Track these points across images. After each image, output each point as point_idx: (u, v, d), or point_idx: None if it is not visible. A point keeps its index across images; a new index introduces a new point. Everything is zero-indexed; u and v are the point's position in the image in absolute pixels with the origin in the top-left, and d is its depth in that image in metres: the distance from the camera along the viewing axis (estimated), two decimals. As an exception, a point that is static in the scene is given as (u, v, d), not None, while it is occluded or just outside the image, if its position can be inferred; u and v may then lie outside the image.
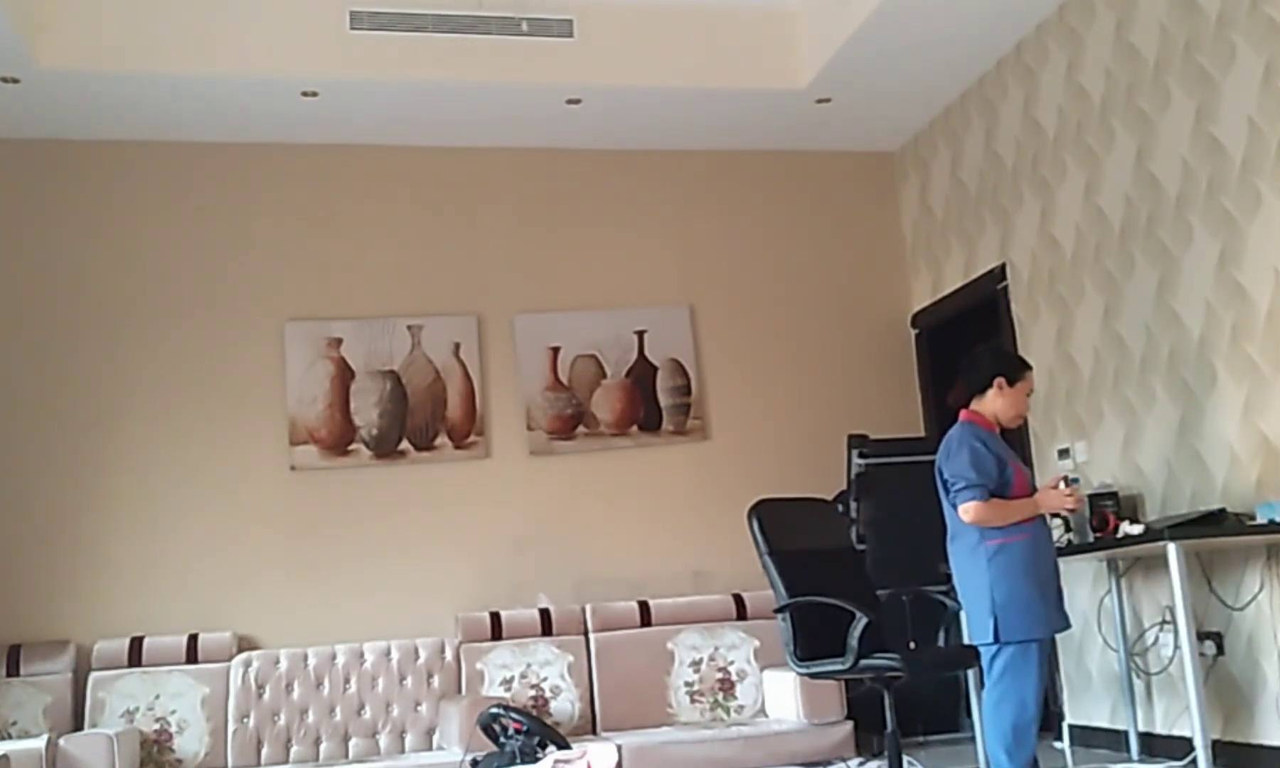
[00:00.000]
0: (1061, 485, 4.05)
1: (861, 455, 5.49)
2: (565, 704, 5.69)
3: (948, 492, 4.06)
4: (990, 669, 3.97)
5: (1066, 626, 4.04)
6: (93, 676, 5.44)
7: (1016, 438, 5.54)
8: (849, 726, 5.36)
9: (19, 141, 5.92)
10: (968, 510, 3.93)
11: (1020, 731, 3.87)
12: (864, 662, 3.89)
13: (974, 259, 6.31)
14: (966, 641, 4.13)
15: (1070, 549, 4.77)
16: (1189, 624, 4.08)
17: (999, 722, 3.89)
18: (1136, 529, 4.44)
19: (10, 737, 5.15)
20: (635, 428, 6.42)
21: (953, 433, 4.10)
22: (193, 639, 5.59)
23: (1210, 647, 4.59)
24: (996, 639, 3.89)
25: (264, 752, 5.44)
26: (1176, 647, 4.67)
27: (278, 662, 5.58)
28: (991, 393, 4.10)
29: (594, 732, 5.67)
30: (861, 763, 5.21)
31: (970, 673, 5.05)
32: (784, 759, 5.22)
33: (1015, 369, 4.15)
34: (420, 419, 6.18)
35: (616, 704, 5.73)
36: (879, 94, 6.28)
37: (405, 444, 6.14)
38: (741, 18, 6.06)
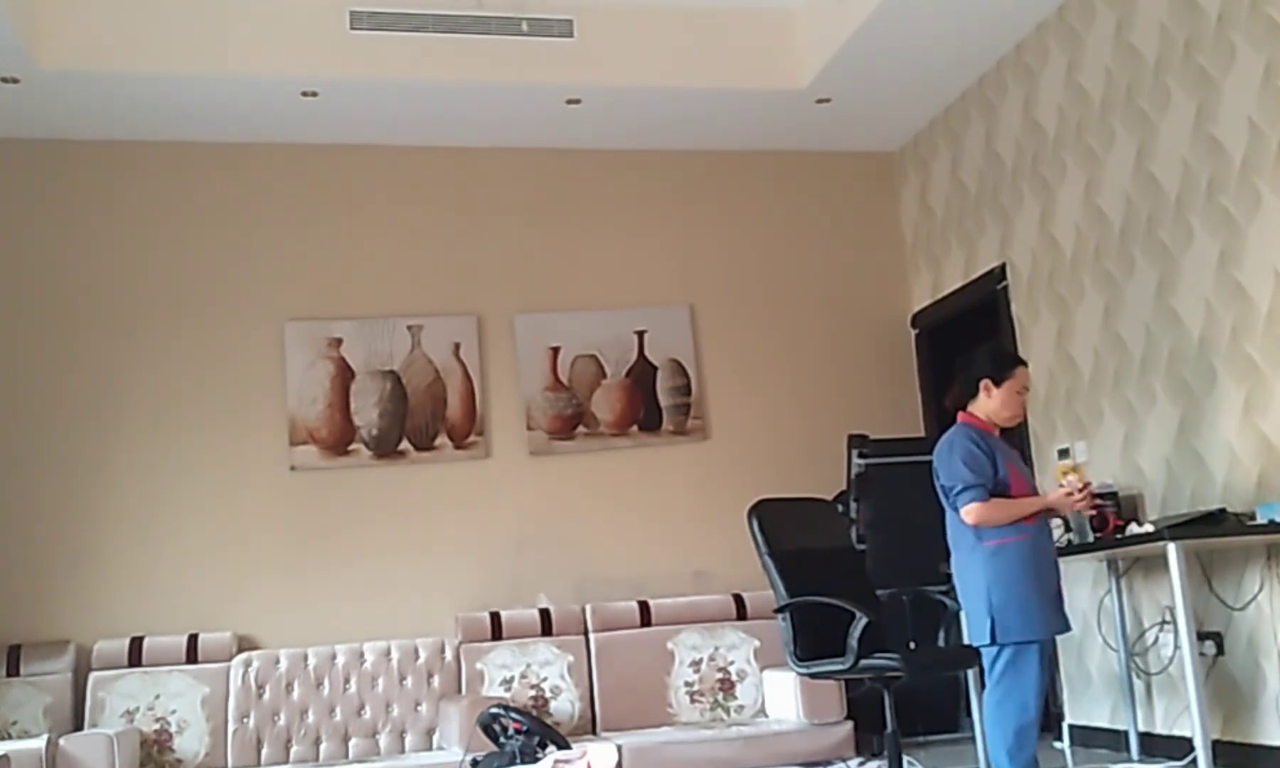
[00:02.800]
0: (1068, 482, 4.03)
1: (861, 455, 5.49)
2: (565, 704, 5.69)
3: (946, 496, 4.05)
4: (991, 671, 3.96)
5: (1067, 628, 4.01)
6: (93, 676, 5.44)
7: (1016, 438, 5.54)
8: (849, 726, 5.36)
9: (19, 141, 5.92)
10: (970, 512, 3.91)
11: (1021, 732, 3.86)
12: (864, 662, 3.89)
13: (974, 259, 6.31)
14: (966, 641, 4.12)
15: (1070, 549, 4.76)
16: (1189, 624, 4.08)
17: (1001, 723, 3.89)
18: (1145, 528, 4.43)
19: (10, 737, 5.15)
20: (635, 428, 6.42)
21: (947, 435, 4.09)
22: (193, 639, 5.59)
23: (1210, 647, 4.59)
24: (993, 640, 3.88)
25: (264, 752, 5.44)
26: (1176, 647, 4.67)
27: (278, 662, 5.58)
28: (981, 396, 4.09)
29: (594, 732, 5.67)
30: (861, 763, 5.21)
31: (970, 673, 5.05)
32: (784, 759, 5.22)
33: (1001, 369, 4.11)
34: (420, 419, 6.18)
35: (616, 704, 5.73)
36: (879, 94, 6.28)
37: (405, 444, 6.14)
38: (741, 18, 6.06)
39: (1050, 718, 5.49)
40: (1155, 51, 4.89)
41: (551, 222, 6.53)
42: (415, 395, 6.20)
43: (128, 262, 6.00)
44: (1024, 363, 4.22)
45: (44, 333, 5.85)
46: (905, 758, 4.21)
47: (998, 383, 4.06)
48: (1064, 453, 5.54)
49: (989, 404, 4.08)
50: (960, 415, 4.15)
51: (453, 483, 6.16)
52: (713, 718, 5.77)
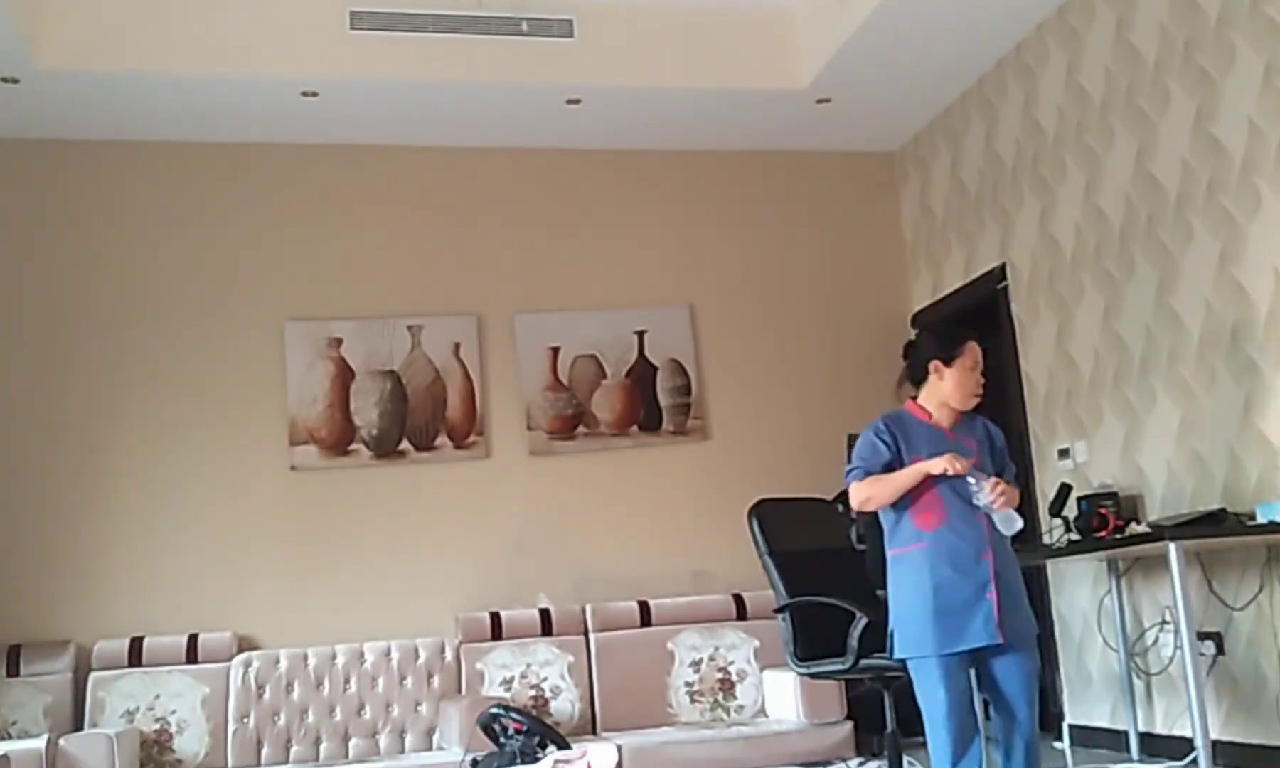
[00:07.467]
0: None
1: (861, 456, 5.47)
2: (565, 704, 5.69)
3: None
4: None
5: (979, 641, 3.50)
6: (93, 676, 5.44)
7: (1017, 438, 5.53)
8: (849, 726, 5.36)
9: (19, 141, 5.92)
10: (852, 491, 3.65)
11: (934, 751, 3.54)
12: (864, 662, 3.89)
13: (974, 259, 6.31)
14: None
15: (1070, 549, 4.77)
16: (1189, 624, 4.08)
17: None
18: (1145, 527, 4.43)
19: (10, 737, 5.14)
20: (635, 428, 6.42)
21: None
22: (193, 639, 5.59)
23: (1210, 647, 4.59)
24: (890, 653, 3.64)
25: (264, 752, 5.44)
26: (1176, 647, 4.67)
27: (278, 662, 5.58)
28: (932, 379, 3.68)
29: (594, 732, 5.67)
30: (861, 763, 5.21)
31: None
32: (784, 759, 5.22)
33: (949, 347, 3.68)
34: (420, 419, 6.18)
35: (616, 704, 5.73)
36: (879, 94, 6.28)
37: (405, 444, 6.14)
38: (741, 18, 6.06)
39: (1050, 718, 5.49)
40: (1155, 51, 4.89)
41: (551, 222, 6.53)
42: (415, 395, 6.19)
43: (128, 262, 6.00)
44: (973, 336, 3.73)
45: (44, 333, 5.85)
46: (905, 758, 4.20)
47: (949, 362, 3.65)
48: (1064, 453, 5.54)
49: (942, 387, 3.66)
50: (906, 404, 3.80)
51: (453, 483, 6.16)
52: (713, 718, 5.77)
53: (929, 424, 3.69)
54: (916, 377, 3.75)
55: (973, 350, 3.69)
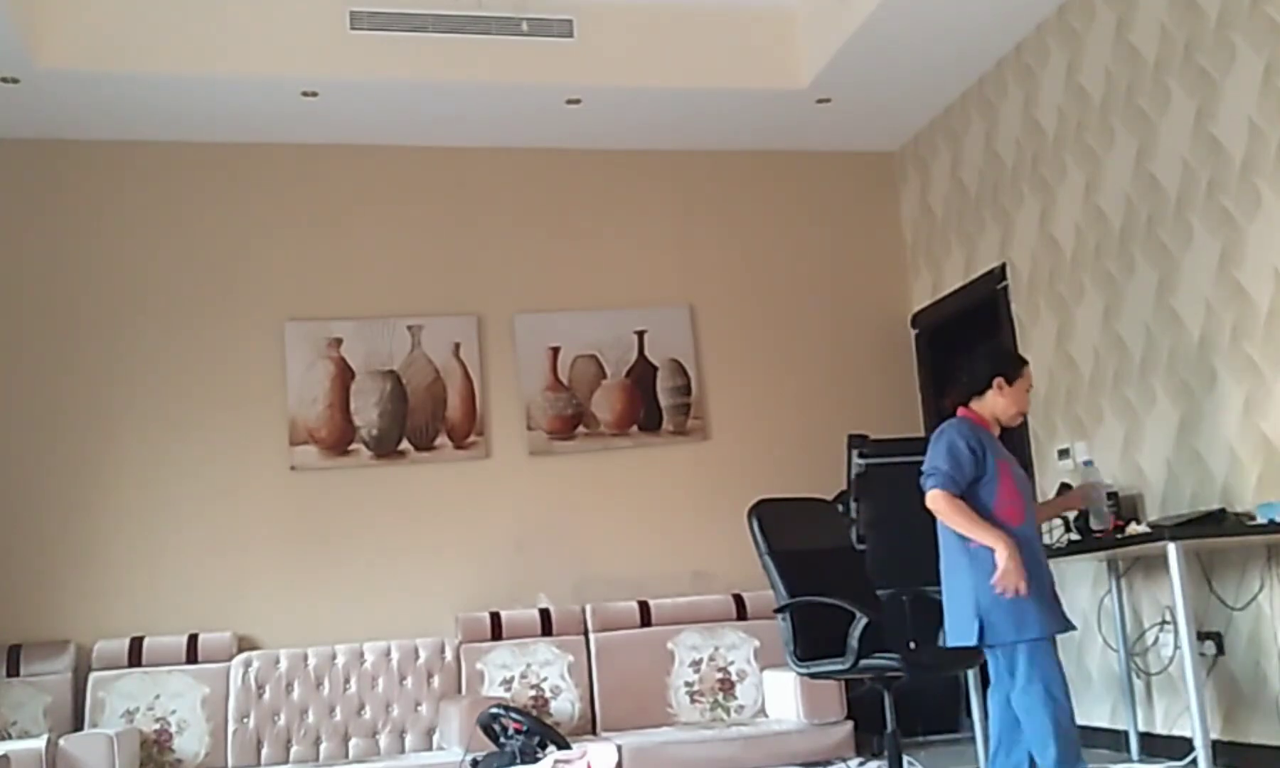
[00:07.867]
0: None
1: (861, 455, 5.48)
2: (565, 704, 5.69)
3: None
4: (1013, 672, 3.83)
5: (1069, 627, 3.91)
6: (93, 676, 5.44)
7: (1017, 438, 5.54)
8: (849, 726, 5.36)
9: (19, 141, 5.92)
10: (932, 497, 3.86)
11: (1058, 727, 3.71)
12: (864, 662, 3.89)
13: (974, 259, 6.31)
14: (950, 643, 3.99)
15: (1070, 549, 4.77)
16: (1189, 624, 4.08)
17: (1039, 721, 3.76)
18: (1143, 528, 4.43)
19: (10, 737, 5.15)
20: (635, 428, 6.42)
21: (941, 427, 4.02)
22: (193, 639, 5.59)
23: (1210, 647, 4.59)
24: (981, 641, 3.80)
25: (264, 752, 5.44)
26: (1176, 647, 4.67)
27: (278, 662, 5.58)
28: (991, 393, 4.03)
29: (594, 732, 5.67)
30: (861, 763, 5.21)
31: (971, 673, 5.04)
32: (784, 759, 5.22)
33: (1014, 367, 4.09)
34: (420, 419, 6.18)
35: (616, 704, 5.73)
36: (879, 94, 6.28)
37: (405, 444, 6.14)
38: (741, 18, 6.06)
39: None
40: (1155, 51, 4.89)
41: (551, 222, 6.53)
42: (415, 395, 6.19)
43: (128, 262, 6.00)
44: (1027, 362, 4.22)
45: (44, 333, 5.85)
46: (905, 758, 4.20)
47: (1011, 380, 4.03)
48: (1064, 453, 5.54)
49: (999, 401, 4.02)
50: (960, 411, 4.09)
51: (453, 483, 6.16)
52: (713, 718, 5.77)
53: (993, 433, 4.04)
54: (977, 388, 4.06)
55: (1029, 374, 4.11)
